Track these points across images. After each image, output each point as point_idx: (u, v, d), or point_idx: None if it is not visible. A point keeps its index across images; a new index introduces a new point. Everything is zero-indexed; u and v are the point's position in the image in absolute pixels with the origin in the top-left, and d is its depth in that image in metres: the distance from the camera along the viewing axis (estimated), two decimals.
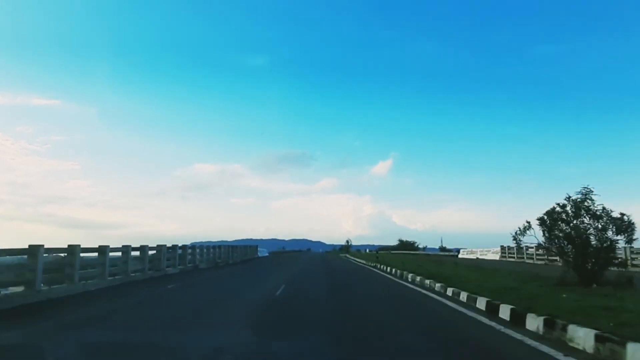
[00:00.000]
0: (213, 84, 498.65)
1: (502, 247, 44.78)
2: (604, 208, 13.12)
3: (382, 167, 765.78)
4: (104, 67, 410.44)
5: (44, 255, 12.47)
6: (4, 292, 11.18)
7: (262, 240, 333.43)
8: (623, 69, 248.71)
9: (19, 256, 11.71)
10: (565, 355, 5.91)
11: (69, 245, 14.01)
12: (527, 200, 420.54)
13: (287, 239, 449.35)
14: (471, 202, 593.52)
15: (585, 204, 13.39)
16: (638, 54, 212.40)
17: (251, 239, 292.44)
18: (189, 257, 27.95)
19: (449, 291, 13.29)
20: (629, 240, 13.06)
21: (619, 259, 14.24)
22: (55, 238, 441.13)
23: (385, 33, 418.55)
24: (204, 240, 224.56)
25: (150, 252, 21.50)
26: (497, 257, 45.36)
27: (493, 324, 8.33)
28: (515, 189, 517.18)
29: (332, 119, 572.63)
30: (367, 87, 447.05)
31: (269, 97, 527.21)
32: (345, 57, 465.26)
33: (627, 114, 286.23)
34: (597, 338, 5.93)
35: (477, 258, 47.56)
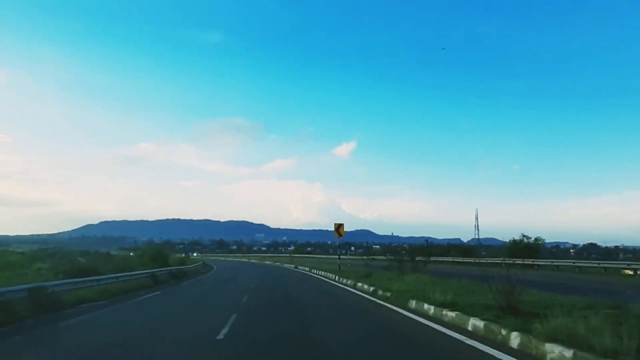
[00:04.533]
0: (164, 57, 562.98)
1: None
2: None
3: (337, 153, 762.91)
4: (42, 32, 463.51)
5: None
6: None
7: (195, 220, 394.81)
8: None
9: None
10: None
11: None
12: (474, 193, 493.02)
13: (222, 220, 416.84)
14: (419, 194, 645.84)
15: None
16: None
17: (179, 219, 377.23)
18: None
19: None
20: None
21: None
22: None
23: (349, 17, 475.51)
24: (135, 219, 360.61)
25: None
26: None
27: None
28: (462, 182, 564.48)
29: (287, 99, 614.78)
30: (327, 71, 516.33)
31: (224, 74, 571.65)
32: (305, 38, 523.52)
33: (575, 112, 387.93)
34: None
35: None
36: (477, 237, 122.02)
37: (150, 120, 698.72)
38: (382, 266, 27.23)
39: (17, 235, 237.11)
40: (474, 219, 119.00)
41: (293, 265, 50.92)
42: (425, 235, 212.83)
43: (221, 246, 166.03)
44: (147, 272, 25.10)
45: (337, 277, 25.77)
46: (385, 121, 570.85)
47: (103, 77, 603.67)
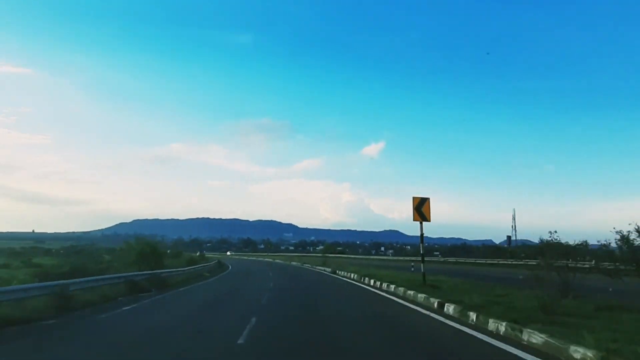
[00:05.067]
0: (195, 60, 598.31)
1: None
2: None
3: (366, 152, 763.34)
4: (80, 36, 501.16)
5: None
6: None
7: (224, 219, 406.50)
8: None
9: None
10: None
11: None
12: (506, 194, 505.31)
13: (251, 219, 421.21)
14: (449, 194, 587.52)
15: None
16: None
17: (208, 218, 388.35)
18: None
19: None
20: None
21: None
22: (27, 215, 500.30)
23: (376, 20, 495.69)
24: (166, 218, 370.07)
25: None
26: None
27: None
28: (494, 183, 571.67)
29: (315, 100, 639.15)
30: (355, 71, 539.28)
31: (254, 75, 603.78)
32: (334, 39, 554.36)
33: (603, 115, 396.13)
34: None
35: None
36: (514, 237, 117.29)
37: (181, 122, 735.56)
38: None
39: (55, 233, 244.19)
40: (512, 219, 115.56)
41: (329, 269, 37.53)
42: (456, 237, 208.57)
43: (249, 245, 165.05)
44: (121, 277, 18.86)
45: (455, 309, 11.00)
46: (415, 121, 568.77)
47: (136, 80, 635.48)
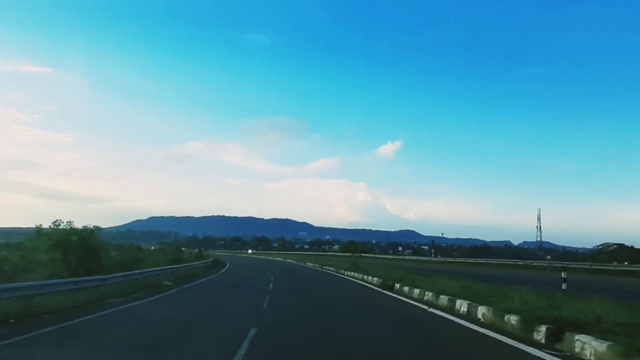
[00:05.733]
0: (212, 59, 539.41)
1: None
2: None
3: (381, 152, 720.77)
4: (99, 36, 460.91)
5: None
6: None
7: (239, 217, 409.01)
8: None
9: None
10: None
11: None
12: (524, 195, 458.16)
13: (265, 217, 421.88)
14: (467, 194, 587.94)
15: None
16: None
17: (223, 216, 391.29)
18: None
19: None
20: None
21: None
22: (46, 211, 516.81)
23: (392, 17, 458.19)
24: (182, 215, 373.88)
25: None
26: None
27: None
28: (513, 184, 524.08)
29: (331, 98, 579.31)
30: (372, 69, 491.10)
31: (270, 73, 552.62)
32: (350, 37, 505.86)
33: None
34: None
35: None
36: (539, 238, 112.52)
37: (198, 120, 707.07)
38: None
39: (77, 229, 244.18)
40: (537, 220, 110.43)
41: (374, 279, 22.88)
42: (473, 238, 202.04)
43: (263, 243, 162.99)
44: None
45: None
46: (432, 120, 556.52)
47: (153, 80, 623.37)
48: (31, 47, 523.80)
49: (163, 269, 26.44)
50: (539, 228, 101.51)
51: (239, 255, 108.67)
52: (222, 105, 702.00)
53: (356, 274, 28.29)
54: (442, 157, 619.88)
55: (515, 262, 50.06)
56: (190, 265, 35.59)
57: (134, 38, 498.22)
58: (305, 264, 51.69)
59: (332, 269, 37.06)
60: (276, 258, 79.45)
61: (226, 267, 43.26)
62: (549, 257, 73.17)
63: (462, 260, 54.91)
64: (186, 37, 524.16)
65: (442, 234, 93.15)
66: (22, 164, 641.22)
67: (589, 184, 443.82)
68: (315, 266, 45.00)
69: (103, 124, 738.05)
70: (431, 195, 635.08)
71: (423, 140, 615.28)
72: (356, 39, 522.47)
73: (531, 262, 47.95)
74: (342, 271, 32.93)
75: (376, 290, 20.00)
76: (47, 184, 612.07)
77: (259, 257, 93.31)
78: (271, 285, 22.31)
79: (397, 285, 18.59)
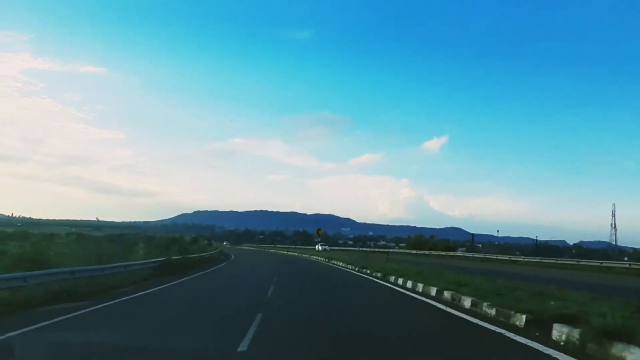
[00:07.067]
0: (256, 56, 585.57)
1: None
2: None
3: (426, 147, 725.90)
4: (149, 37, 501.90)
5: None
6: None
7: (282, 212, 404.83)
8: None
9: None
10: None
11: None
12: (573, 193, 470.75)
13: (308, 213, 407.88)
14: (514, 192, 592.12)
15: None
16: None
17: (266, 211, 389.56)
18: None
19: None
20: None
21: None
22: (98, 205, 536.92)
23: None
24: (226, 210, 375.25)
25: None
26: None
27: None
28: (563, 181, 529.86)
29: (376, 93, 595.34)
30: (417, 63, 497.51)
31: (313, 69, 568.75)
32: (393, 32, 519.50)
33: None
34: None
35: None
36: (614, 238, 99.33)
37: (242, 116, 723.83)
38: None
39: (118, 222, 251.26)
40: (611, 216, 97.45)
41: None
42: (524, 236, 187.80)
43: (304, 237, 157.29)
44: None
45: None
46: (480, 114, 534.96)
47: (200, 77, 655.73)
48: (87, 48, 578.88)
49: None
50: (613, 226, 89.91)
51: (267, 250, 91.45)
52: (265, 101, 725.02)
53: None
54: (489, 153, 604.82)
55: (589, 262, 40.46)
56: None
57: (181, 38, 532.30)
58: (347, 267, 31.84)
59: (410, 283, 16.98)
60: (303, 255, 62.86)
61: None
62: (626, 258, 63.63)
63: (535, 260, 46.01)
64: (229, 35, 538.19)
65: (498, 231, 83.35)
66: (78, 160, 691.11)
67: None
68: (369, 276, 23.70)
69: (152, 121, 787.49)
70: (477, 192, 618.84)
71: (470, 136, 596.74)
72: (401, 33, 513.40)
73: (602, 263, 38.42)
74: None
75: None
76: (100, 178, 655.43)
77: (288, 253, 75.18)
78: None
79: None
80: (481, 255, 59.07)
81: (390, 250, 76.17)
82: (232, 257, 51.04)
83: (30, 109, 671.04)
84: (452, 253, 67.40)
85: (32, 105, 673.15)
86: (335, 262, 37.73)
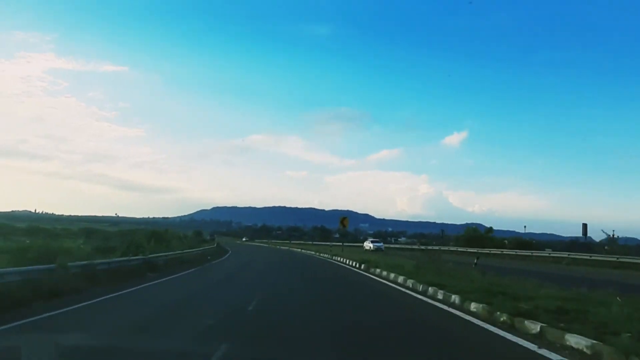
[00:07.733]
0: (274, 52, 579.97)
1: None
2: None
3: (446, 143, 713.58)
4: (169, 35, 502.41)
5: None
6: None
7: (300, 208, 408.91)
8: None
9: None
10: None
11: None
12: (596, 189, 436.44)
13: (327, 209, 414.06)
14: (535, 187, 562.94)
15: None
16: None
17: (284, 207, 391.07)
18: None
19: None
20: None
21: None
22: (118, 201, 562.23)
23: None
24: (244, 206, 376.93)
25: None
26: None
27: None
28: (585, 177, 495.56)
29: (394, 88, 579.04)
30: (436, 57, 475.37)
31: (331, 65, 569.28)
32: (411, 26, 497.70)
33: None
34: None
35: None
36: None
37: (260, 113, 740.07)
38: None
39: (142, 218, 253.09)
40: None
41: None
42: (547, 232, 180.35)
43: (322, 232, 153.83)
44: None
45: None
46: (501, 108, 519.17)
47: (218, 73, 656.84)
48: (109, 47, 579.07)
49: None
50: None
51: (279, 247, 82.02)
52: (284, 97, 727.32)
53: None
54: (509, 148, 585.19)
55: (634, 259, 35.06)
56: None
57: (200, 35, 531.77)
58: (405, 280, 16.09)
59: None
60: (309, 251, 53.19)
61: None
62: None
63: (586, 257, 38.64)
64: (249, 32, 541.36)
65: (525, 227, 76.37)
66: (101, 157, 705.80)
67: None
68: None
69: (172, 119, 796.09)
70: (497, 188, 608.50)
71: (490, 130, 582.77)
72: (420, 27, 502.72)
73: None
74: None
75: None
76: (122, 175, 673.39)
77: (305, 250, 59.48)
78: None
79: None
80: (604, 258, 36.12)
81: (441, 248, 48.46)
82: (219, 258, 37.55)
83: (55, 108, 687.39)
84: (538, 253, 47.23)
85: (57, 104, 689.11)
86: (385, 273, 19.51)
